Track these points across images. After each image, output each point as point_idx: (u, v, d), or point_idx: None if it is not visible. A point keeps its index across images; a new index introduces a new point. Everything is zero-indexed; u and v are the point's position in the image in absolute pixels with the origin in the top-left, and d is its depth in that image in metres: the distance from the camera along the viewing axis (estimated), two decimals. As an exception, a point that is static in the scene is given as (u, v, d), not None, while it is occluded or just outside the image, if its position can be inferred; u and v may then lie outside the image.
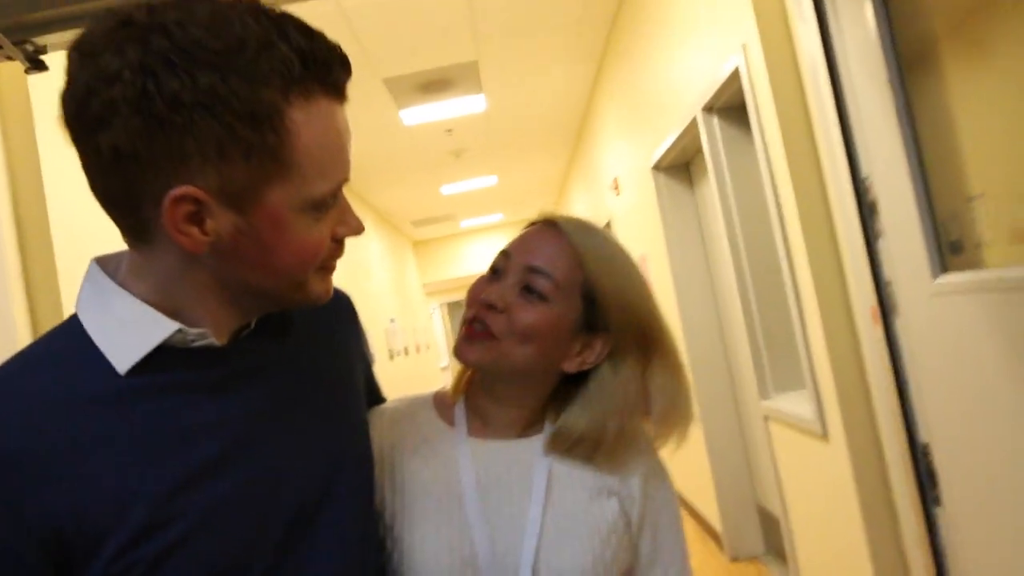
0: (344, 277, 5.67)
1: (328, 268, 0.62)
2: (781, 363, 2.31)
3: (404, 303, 8.90)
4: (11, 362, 0.58)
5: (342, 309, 0.78)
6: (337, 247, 0.61)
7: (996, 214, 1.29)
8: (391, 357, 7.16)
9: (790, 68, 1.78)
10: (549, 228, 0.79)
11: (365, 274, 6.71)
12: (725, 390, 3.23)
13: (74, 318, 0.59)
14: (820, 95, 1.58)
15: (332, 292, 0.64)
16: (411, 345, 8.85)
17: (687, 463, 3.79)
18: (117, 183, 0.53)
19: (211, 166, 0.51)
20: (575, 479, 0.78)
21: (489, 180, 7.18)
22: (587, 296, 0.76)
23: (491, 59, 3.90)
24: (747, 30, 1.89)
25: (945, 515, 1.49)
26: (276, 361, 0.65)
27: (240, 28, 0.51)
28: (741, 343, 2.70)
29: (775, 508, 2.59)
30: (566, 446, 0.77)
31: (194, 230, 0.53)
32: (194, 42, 0.49)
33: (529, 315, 0.74)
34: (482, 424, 0.81)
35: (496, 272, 0.78)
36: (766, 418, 2.40)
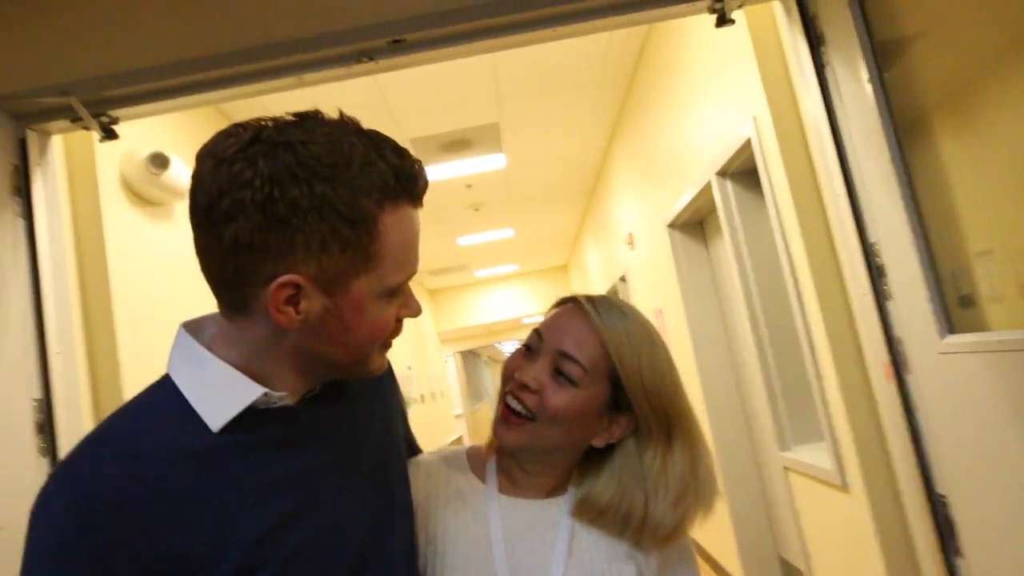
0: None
1: (387, 345, 0.72)
2: (799, 415, 2.37)
3: (420, 351, 8.98)
4: (115, 419, 0.66)
5: (386, 376, 0.86)
6: (398, 326, 0.71)
7: (1004, 270, 1.38)
8: (407, 405, 7.20)
9: (798, 136, 1.91)
10: (578, 311, 0.84)
11: (384, 324, 6.84)
12: (743, 441, 3.27)
13: (167, 380, 0.67)
14: (826, 163, 1.69)
15: (386, 365, 0.75)
16: (427, 392, 8.88)
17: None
18: (231, 266, 0.62)
19: (313, 258, 0.61)
20: (595, 542, 0.82)
21: (506, 232, 7.35)
22: (612, 378, 0.81)
23: (512, 120, 4.09)
24: (756, 100, 2.03)
25: (967, 566, 1.52)
26: (336, 421, 0.74)
27: (348, 147, 0.61)
28: (759, 395, 2.76)
29: (797, 559, 2.61)
30: (592, 515, 0.83)
31: (290, 310, 0.62)
32: (313, 157, 0.60)
33: (560, 398, 0.80)
34: (511, 484, 0.87)
35: (530, 349, 0.85)
36: (786, 469, 2.45)
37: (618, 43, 3.34)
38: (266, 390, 0.65)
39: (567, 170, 5.43)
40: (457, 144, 4.28)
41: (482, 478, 0.88)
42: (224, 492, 0.62)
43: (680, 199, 3.08)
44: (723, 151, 2.39)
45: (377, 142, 0.64)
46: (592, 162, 5.32)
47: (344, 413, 0.75)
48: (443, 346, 12.32)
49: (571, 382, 0.81)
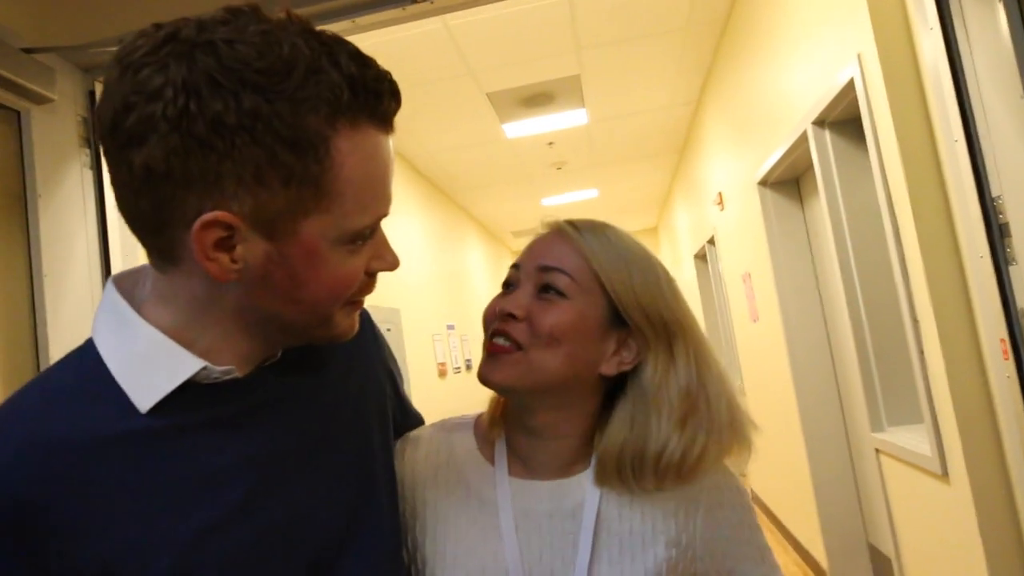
0: (443, 283, 5.77)
1: (356, 304, 0.59)
2: (896, 394, 2.15)
3: (474, 313, 8.99)
4: (24, 396, 0.53)
5: (363, 330, 0.71)
6: (369, 281, 0.58)
7: None
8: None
9: (910, 79, 1.66)
10: (555, 233, 0.75)
11: (464, 281, 6.86)
12: (835, 419, 3.03)
13: (90, 347, 0.55)
14: (944, 109, 1.46)
15: (356, 328, 0.60)
16: (475, 359, 8.93)
17: (791, 493, 3.59)
18: (146, 202, 0.49)
19: (247, 191, 0.48)
20: (627, 525, 0.71)
21: (590, 193, 7.16)
22: (605, 291, 0.71)
23: (593, 72, 3.89)
24: (863, 38, 1.78)
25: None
26: (297, 395, 0.61)
27: (289, 50, 0.48)
28: (853, 370, 2.53)
29: (887, 548, 2.40)
30: (614, 467, 0.71)
31: (223, 256, 0.50)
32: (241, 62, 0.47)
33: (551, 315, 0.69)
34: (523, 465, 0.75)
35: (508, 285, 0.75)
36: (878, 451, 2.24)
37: (709, -17, 3.07)
38: (205, 364, 0.53)
39: (654, 125, 5.16)
40: (537, 98, 4.13)
41: (490, 458, 0.76)
42: (153, 485, 0.51)
43: (773, 153, 2.82)
44: (822, 96, 2.14)
45: (331, 46, 0.50)
46: (682, 116, 5.02)
47: (308, 385, 0.63)
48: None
49: (560, 294, 0.70)
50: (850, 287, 2.27)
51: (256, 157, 0.47)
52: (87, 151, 1.60)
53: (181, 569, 0.51)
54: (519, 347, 0.69)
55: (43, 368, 1.41)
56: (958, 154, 1.44)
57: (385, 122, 0.54)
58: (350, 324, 0.59)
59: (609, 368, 0.72)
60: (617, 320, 0.72)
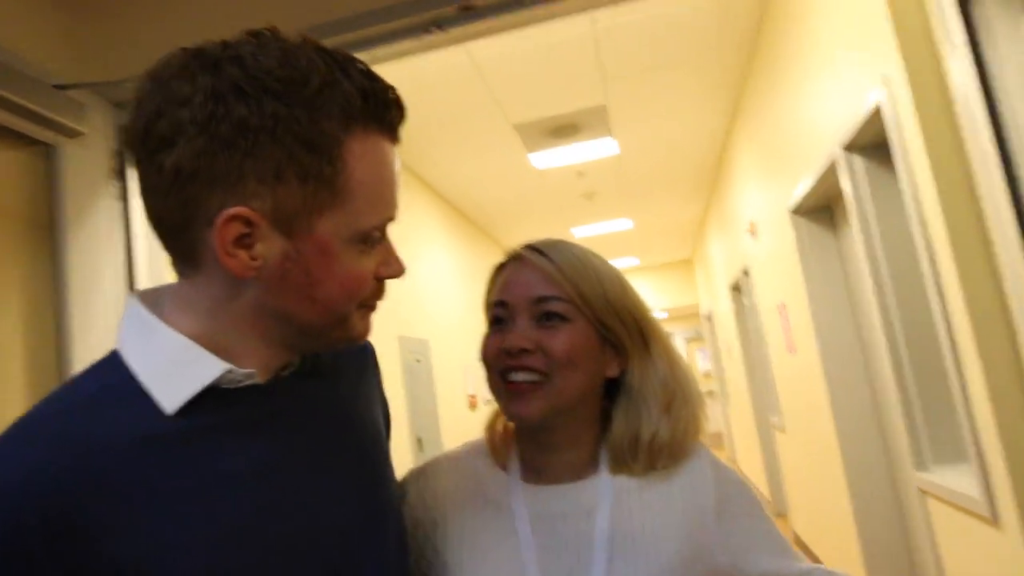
0: (474, 314, 5.78)
1: (370, 307, 0.62)
2: (940, 430, 2.03)
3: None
4: (54, 401, 0.55)
5: (367, 357, 0.77)
6: (379, 287, 0.61)
7: None
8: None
9: (940, 100, 1.60)
10: (522, 262, 0.79)
11: (497, 315, 6.85)
12: (877, 456, 2.89)
13: (115, 356, 0.57)
14: (976, 130, 1.40)
15: (370, 332, 0.64)
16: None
17: (833, 535, 3.43)
18: (174, 203, 0.53)
19: (267, 189, 0.52)
20: (639, 523, 0.73)
21: (623, 223, 7.12)
22: (589, 307, 0.76)
23: (620, 102, 3.90)
24: (889, 60, 1.74)
25: None
26: (313, 404, 0.64)
27: (306, 63, 0.53)
28: (894, 404, 2.42)
29: (936, 598, 2.25)
30: (614, 456, 0.77)
31: (243, 253, 0.53)
32: (263, 71, 0.52)
33: (560, 340, 0.74)
34: (536, 473, 0.79)
35: (500, 321, 0.78)
36: (923, 492, 2.11)
37: (734, 11, 3.06)
38: (229, 366, 0.55)
39: (685, 155, 5.13)
40: (564, 129, 4.15)
41: (504, 466, 0.80)
42: (180, 485, 0.53)
43: (803, 180, 2.76)
44: (850, 121, 2.09)
45: (342, 61, 0.55)
46: (712, 144, 4.98)
47: (323, 394, 0.66)
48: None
49: (563, 318, 0.75)
50: (886, 317, 2.17)
51: (276, 156, 0.52)
52: (116, 183, 1.65)
53: (208, 569, 0.52)
54: (542, 375, 0.73)
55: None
56: (993, 176, 1.37)
57: (392, 131, 0.59)
58: (365, 327, 0.62)
59: (613, 371, 0.78)
60: (603, 329, 0.77)
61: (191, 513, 0.52)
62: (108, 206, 1.62)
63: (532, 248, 0.79)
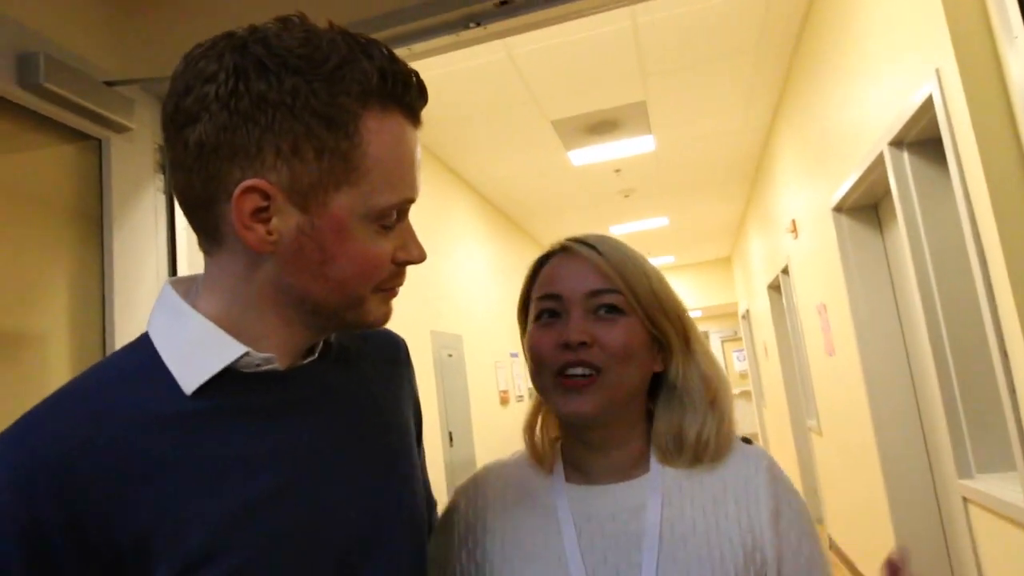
0: (508, 309, 5.79)
1: (389, 291, 0.62)
2: (986, 437, 1.96)
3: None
4: (81, 380, 0.57)
5: (399, 352, 0.77)
6: (399, 272, 0.61)
7: None
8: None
9: (995, 94, 1.54)
10: (571, 254, 0.77)
11: (531, 311, 6.84)
12: (919, 463, 2.80)
13: (145, 337, 0.59)
14: (1033, 125, 1.34)
15: (390, 317, 0.63)
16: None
17: (872, 543, 3.34)
18: (197, 178, 0.54)
19: (284, 162, 0.53)
20: (691, 525, 0.71)
21: (660, 221, 7.05)
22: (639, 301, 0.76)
23: (660, 98, 3.85)
24: (942, 53, 1.68)
25: None
26: (335, 393, 0.64)
27: (328, 43, 0.54)
28: (937, 410, 2.34)
29: (979, 610, 2.17)
30: (667, 448, 0.76)
31: (260, 227, 0.54)
32: (285, 49, 0.53)
33: (618, 333, 0.73)
34: (581, 474, 0.78)
35: (553, 314, 0.75)
36: (965, 500, 2.04)
37: (778, 5, 2.99)
38: (247, 349, 0.56)
39: (725, 152, 5.04)
40: (602, 126, 4.12)
41: (549, 469, 0.79)
42: (192, 463, 0.54)
43: (847, 178, 2.69)
44: (899, 115, 2.02)
45: (364, 43, 0.56)
46: (753, 141, 4.89)
47: (346, 386, 0.66)
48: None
49: (619, 311, 0.73)
50: (933, 320, 2.11)
51: (294, 130, 0.53)
52: (161, 176, 1.69)
53: (210, 548, 0.52)
54: (597, 371, 0.72)
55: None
56: (1049, 174, 1.32)
57: (412, 112, 0.59)
58: (383, 312, 0.62)
59: (658, 365, 0.77)
60: (651, 325, 0.76)
61: (198, 490, 0.53)
62: (153, 199, 1.67)
63: (579, 240, 0.77)
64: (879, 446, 2.85)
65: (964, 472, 2.02)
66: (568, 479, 0.77)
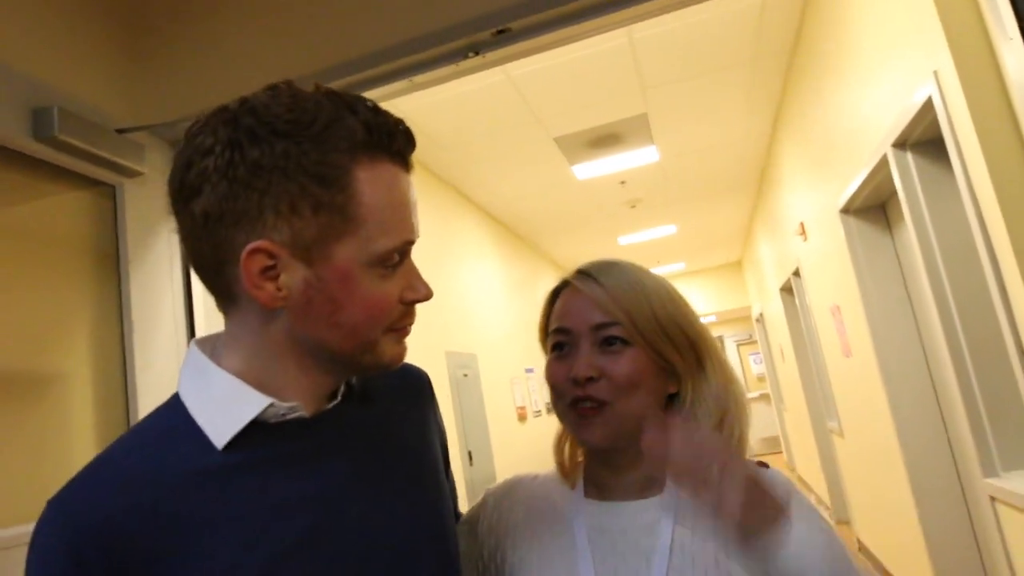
0: (521, 326, 5.78)
1: (400, 331, 0.64)
2: (1009, 434, 1.94)
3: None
4: (120, 443, 0.61)
5: (423, 386, 0.79)
6: (408, 311, 0.63)
7: None
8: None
9: (994, 94, 1.55)
10: (575, 290, 0.80)
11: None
12: (942, 463, 2.77)
13: (175, 399, 0.62)
14: (1034, 122, 1.35)
15: (404, 356, 0.65)
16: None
17: (900, 545, 3.30)
18: (206, 246, 0.58)
19: (284, 222, 0.56)
20: (700, 544, 0.72)
21: (668, 229, 7.05)
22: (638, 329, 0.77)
23: (660, 109, 3.87)
24: (939, 54, 1.69)
25: None
26: (361, 432, 0.66)
27: (314, 106, 0.57)
28: (959, 407, 2.32)
29: (1014, 611, 2.14)
30: (682, 478, 0.74)
31: (269, 285, 0.57)
32: (274, 116, 0.57)
33: (623, 364, 0.75)
34: (598, 489, 0.81)
35: (561, 348, 0.79)
36: (992, 499, 2.02)
37: (772, 12, 3.02)
38: (271, 400, 0.59)
39: (729, 158, 5.05)
40: (605, 139, 4.15)
41: (573, 484, 0.83)
42: (229, 516, 0.56)
43: (853, 180, 2.69)
44: (900, 117, 2.03)
45: (350, 101, 0.59)
46: (757, 147, 4.90)
47: (371, 423, 0.68)
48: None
49: (624, 343, 0.76)
50: (947, 317, 2.10)
51: (290, 191, 0.56)
52: (174, 218, 1.73)
53: None
54: (605, 404, 0.75)
55: (133, 419, 1.50)
56: (1053, 170, 1.32)
57: (402, 159, 0.62)
58: (397, 352, 0.64)
59: (673, 387, 0.79)
60: (655, 355, 0.77)
61: (242, 539, 0.56)
62: (167, 240, 1.70)
63: (583, 273, 0.81)
64: (902, 447, 2.82)
65: (989, 471, 2.00)
66: (587, 495, 0.80)
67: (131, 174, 1.60)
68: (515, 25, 1.49)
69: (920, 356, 2.84)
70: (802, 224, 4.04)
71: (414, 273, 0.63)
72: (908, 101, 1.94)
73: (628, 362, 0.75)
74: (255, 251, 0.56)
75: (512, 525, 0.81)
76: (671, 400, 0.80)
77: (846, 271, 3.10)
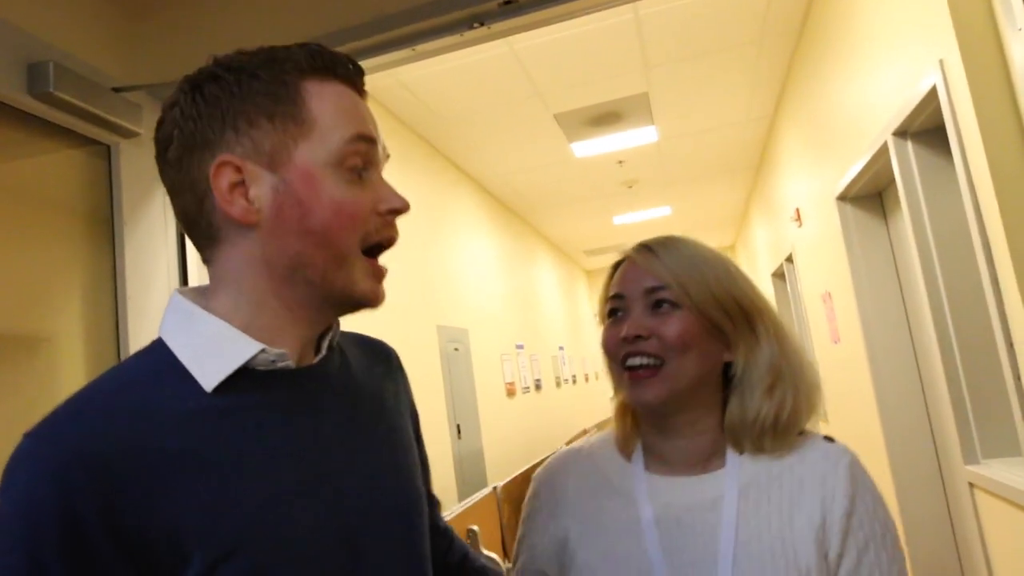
0: (513, 302, 5.81)
1: (373, 256, 0.64)
2: (992, 423, 1.97)
3: (574, 332, 8.95)
4: (103, 381, 0.59)
5: (393, 360, 0.80)
6: (385, 223, 0.64)
7: None
8: (558, 385, 7.22)
9: (999, 86, 1.55)
10: (633, 262, 0.84)
11: (534, 300, 6.86)
12: (925, 449, 2.82)
13: (158, 343, 0.62)
14: (1037, 115, 1.35)
15: (382, 297, 0.65)
16: (579, 374, 8.85)
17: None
18: (185, 188, 0.61)
19: (244, 136, 0.60)
20: (766, 520, 0.74)
21: (663, 211, 7.04)
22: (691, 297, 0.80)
23: (662, 89, 3.84)
24: (946, 43, 1.68)
25: None
26: (342, 391, 0.68)
27: (268, 49, 0.63)
28: (944, 396, 2.36)
29: (986, 595, 2.20)
30: (735, 435, 0.79)
31: (240, 200, 0.60)
32: (231, 59, 0.62)
33: (673, 325, 0.78)
34: (661, 462, 0.82)
35: (616, 313, 0.83)
36: (971, 486, 2.06)
37: (781, -6, 2.98)
38: (262, 346, 0.59)
39: (727, 141, 5.04)
40: (605, 117, 4.12)
41: (629, 458, 0.85)
42: (219, 457, 0.56)
43: (852, 167, 2.69)
44: (903, 105, 2.03)
45: (302, 44, 0.64)
46: (756, 131, 4.88)
47: (352, 383, 0.69)
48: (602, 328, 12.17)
49: (675, 305, 0.79)
50: (938, 307, 2.12)
51: (245, 110, 0.60)
52: (169, 180, 1.71)
53: (240, 539, 0.54)
54: (660, 363, 0.77)
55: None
56: (1053, 164, 1.32)
57: (349, 82, 0.65)
58: (372, 288, 0.64)
59: (730, 355, 0.81)
60: (706, 320, 0.80)
61: (232, 483, 0.55)
62: (162, 201, 1.69)
63: (643, 246, 0.85)
64: (885, 433, 2.86)
65: (970, 458, 2.04)
66: (648, 468, 0.82)
67: (127, 134, 1.57)
68: (522, -4, 1.47)
69: (908, 344, 2.87)
70: (798, 210, 4.05)
71: (386, 185, 0.65)
72: (912, 89, 1.93)
73: (677, 322, 0.78)
74: (222, 165, 0.59)
75: (572, 505, 0.83)
76: (727, 369, 0.82)
77: (839, 258, 3.12)
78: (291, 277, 0.62)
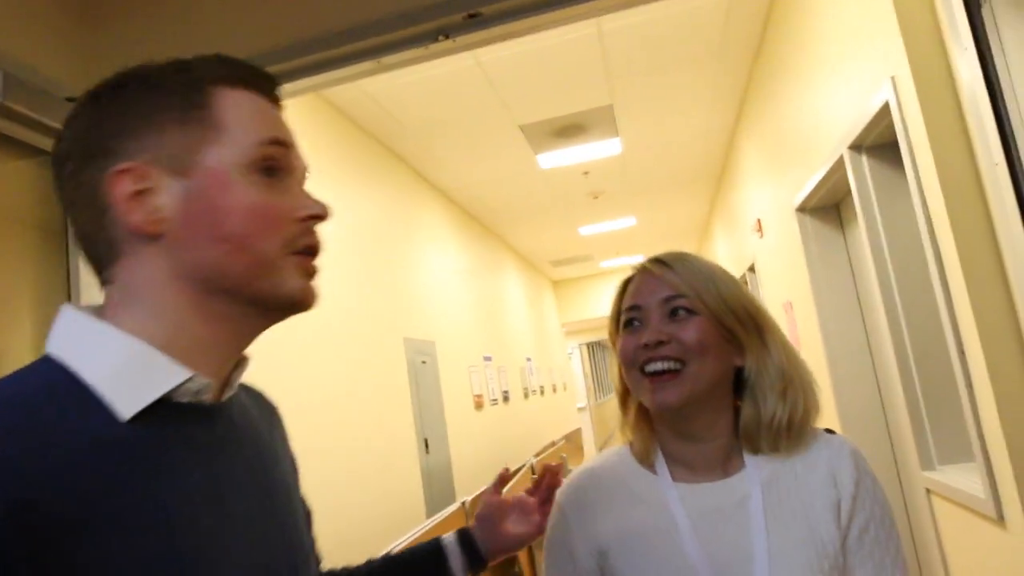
0: (480, 314, 5.79)
1: (304, 257, 0.60)
2: (946, 429, 2.03)
3: (541, 343, 8.97)
4: None
5: (276, 410, 0.76)
6: (306, 231, 0.60)
7: None
8: (526, 396, 7.21)
9: (948, 102, 1.61)
10: (648, 273, 0.88)
11: (501, 312, 6.86)
12: (883, 455, 2.89)
13: (46, 362, 0.54)
14: (983, 131, 1.40)
15: (315, 297, 0.61)
16: (547, 384, 8.86)
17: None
18: (85, 208, 0.57)
19: (151, 141, 0.56)
20: (789, 512, 0.79)
21: (628, 221, 7.13)
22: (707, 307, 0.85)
23: (626, 101, 3.90)
24: (897, 61, 1.74)
25: None
26: (247, 433, 0.64)
27: (179, 59, 0.60)
28: (901, 404, 2.42)
29: (943, 597, 2.25)
30: (750, 436, 0.83)
31: (141, 208, 0.55)
32: (140, 68, 0.59)
33: (691, 330, 0.82)
34: (685, 470, 0.85)
35: (633, 323, 0.86)
36: (928, 491, 2.12)
37: (739, 11, 3.06)
38: (192, 373, 0.55)
39: (690, 154, 5.13)
40: (570, 129, 4.16)
41: (652, 470, 0.87)
42: (139, 494, 0.50)
43: (810, 179, 2.76)
44: (857, 121, 2.09)
45: (222, 56, 0.62)
46: (718, 143, 4.98)
47: (252, 427, 0.65)
48: (568, 339, 12.25)
49: (691, 312, 0.83)
50: (893, 317, 2.18)
51: (151, 116, 0.57)
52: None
53: None
54: (679, 363, 0.81)
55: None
56: (999, 178, 1.37)
57: (261, 91, 0.62)
58: (302, 285, 0.60)
59: (741, 360, 0.85)
60: (720, 326, 0.84)
61: (149, 526, 0.50)
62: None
63: (655, 259, 0.89)
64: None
65: (927, 464, 2.09)
66: (675, 478, 0.85)
67: (81, 145, 1.53)
68: (487, 10, 1.48)
69: (866, 353, 2.94)
70: (759, 221, 4.14)
71: (305, 192, 0.62)
72: (866, 105, 1.99)
73: (695, 327, 0.82)
74: (120, 172, 0.55)
75: (604, 523, 0.85)
76: (739, 374, 0.86)
77: (799, 268, 3.19)
78: (209, 289, 0.57)
